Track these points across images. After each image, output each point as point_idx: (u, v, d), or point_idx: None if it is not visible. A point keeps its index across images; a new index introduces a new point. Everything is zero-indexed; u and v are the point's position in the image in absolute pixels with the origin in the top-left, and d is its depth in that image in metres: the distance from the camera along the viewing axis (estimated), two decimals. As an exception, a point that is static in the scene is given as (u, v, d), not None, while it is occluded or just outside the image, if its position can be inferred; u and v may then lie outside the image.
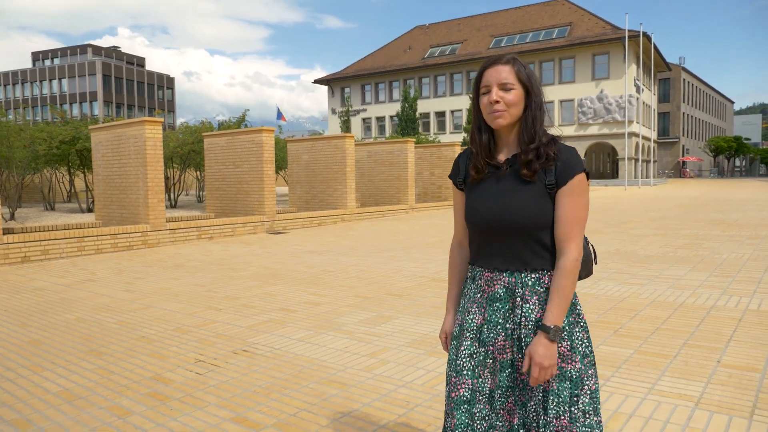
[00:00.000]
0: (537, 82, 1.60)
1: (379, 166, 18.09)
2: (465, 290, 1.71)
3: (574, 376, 1.55)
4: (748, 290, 5.51)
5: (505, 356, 1.58)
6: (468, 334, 1.62)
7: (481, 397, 1.59)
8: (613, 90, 40.57)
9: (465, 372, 1.60)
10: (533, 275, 1.57)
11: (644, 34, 38.41)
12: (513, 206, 1.55)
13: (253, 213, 12.93)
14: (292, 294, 5.84)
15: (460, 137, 43.27)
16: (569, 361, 1.56)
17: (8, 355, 3.98)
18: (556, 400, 1.54)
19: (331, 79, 52.54)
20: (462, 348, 1.62)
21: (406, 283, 6.30)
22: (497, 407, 1.59)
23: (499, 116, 1.55)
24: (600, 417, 1.58)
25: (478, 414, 1.58)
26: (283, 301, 5.53)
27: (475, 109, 1.63)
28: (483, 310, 1.62)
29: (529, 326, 1.56)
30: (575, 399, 1.54)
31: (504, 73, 1.56)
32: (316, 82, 53.30)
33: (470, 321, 1.63)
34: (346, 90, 52.49)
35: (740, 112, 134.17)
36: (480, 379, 1.59)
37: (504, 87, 1.55)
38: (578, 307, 1.61)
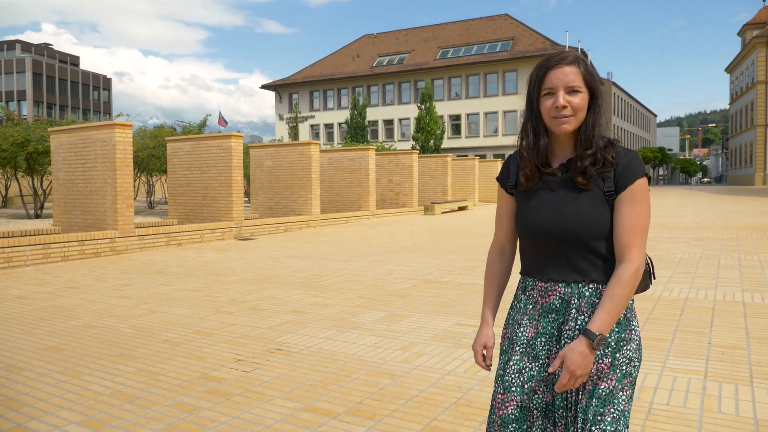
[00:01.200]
0: (601, 85, 1.52)
1: (340, 172, 18.26)
2: (515, 302, 1.62)
3: (603, 395, 1.45)
4: (711, 284, 6.11)
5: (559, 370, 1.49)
6: (518, 348, 1.54)
7: (535, 414, 1.51)
8: (553, 102, 42.45)
9: (514, 389, 1.51)
10: (591, 286, 1.49)
11: (581, 50, 40.52)
12: (570, 215, 1.47)
13: (220, 219, 12.82)
14: (295, 297, 5.97)
15: (408, 145, 43.99)
16: (606, 379, 1.46)
17: (32, 362, 3.94)
18: (582, 417, 1.46)
19: (279, 84, 52.18)
20: (511, 363, 1.54)
21: (401, 284, 6.55)
22: (558, 423, 1.50)
23: (565, 122, 1.46)
24: None
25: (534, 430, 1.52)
26: (290, 303, 5.66)
27: (530, 111, 1.54)
28: (536, 323, 1.54)
29: None
30: (598, 418, 1.44)
31: (571, 75, 1.46)
32: (264, 87, 52.78)
33: (521, 334, 1.55)
34: (294, 96, 52.28)
35: (661, 125, 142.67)
36: (535, 395, 1.51)
37: (571, 90, 1.46)
38: (633, 323, 1.51)
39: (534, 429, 1.51)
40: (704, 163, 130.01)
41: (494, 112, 44.87)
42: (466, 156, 35.08)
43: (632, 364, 1.48)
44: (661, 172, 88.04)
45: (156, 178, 21.79)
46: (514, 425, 1.50)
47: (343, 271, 7.59)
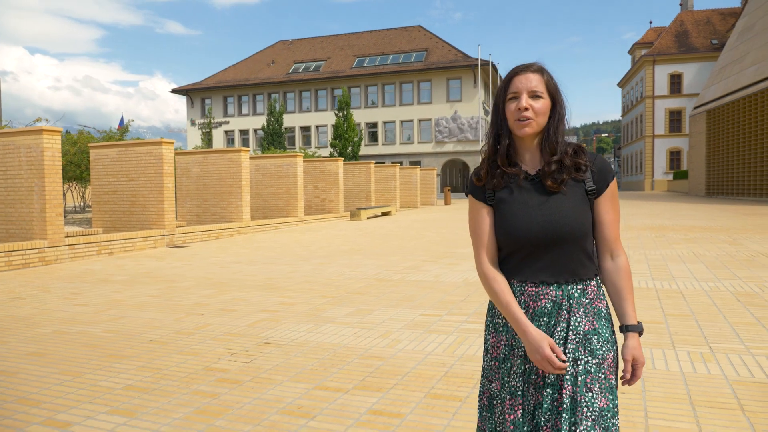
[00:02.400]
0: (562, 94, 1.61)
1: (268, 179, 18.34)
2: (497, 309, 1.65)
3: (614, 388, 1.54)
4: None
5: (547, 373, 1.52)
6: (519, 353, 1.58)
7: (526, 416, 1.56)
8: (465, 112, 44.52)
9: (519, 393, 1.56)
10: (579, 286, 1.56)
11: (491, 63, 42.87)
12: (559, 216, 1.53)
13: (150, 227, 12.59)
14: (259, 298, 6.24)
15: (326, 152, 44.31)
16: (613, 372, 1.55)
17: (23, 366, 4.00)
18: (606, 416, 1.50)
19: (190, 89, 50.67)
20: (514, 368, 1.58)
21: (356, 284, 6.99)
22: (543, 427, 1.52)
23: (526, 124, 1.54)
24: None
25: None
26: (257, 304, 5.93)
27: (496, 115, 1.62)
28: None
29: (577, 339, 1.52)
30: (616, 410, 1.52)
31: (534, 81, 1.55)
32: (175, 91, 51.03)
33: (519, 339, 1.59)
34: (207, 101, 50.99)
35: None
36: (529, 397, 1.56)
37: (533, 95, 1.55)
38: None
39: (525, 429, 1.56)
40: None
41: (410, 121, 46.24)
42: (384, 163, 35.99)
43: (618, 354, 1.60)
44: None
45: (67, 186, 20.67)
46: (523, 428, 1.54)
47: (294, 274, 7.90)
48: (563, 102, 1.60)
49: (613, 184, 1.58)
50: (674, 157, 54.55)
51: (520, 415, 1.54)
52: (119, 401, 3.25)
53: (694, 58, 52.68)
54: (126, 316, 5.49)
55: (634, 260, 8.33)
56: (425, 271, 7.89)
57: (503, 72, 40.32)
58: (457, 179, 55.96)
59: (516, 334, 1.57)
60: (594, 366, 1.50)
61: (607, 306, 1.60)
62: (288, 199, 18.07)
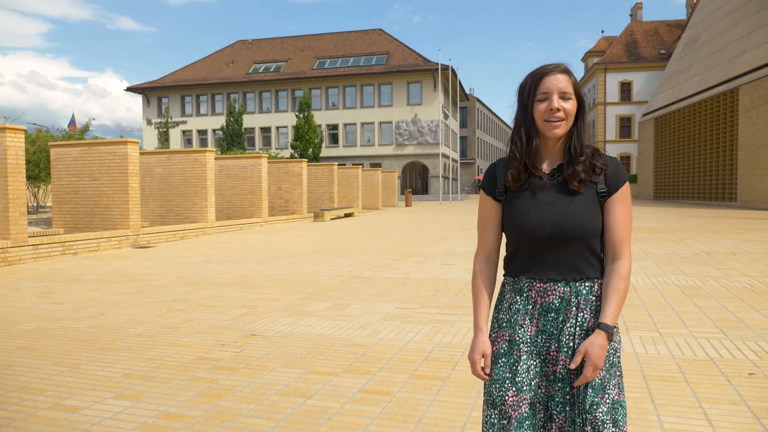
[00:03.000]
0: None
1: (232, 180, 18.33)
2: (507, 305, 1.65)
3: (596, 385, 1.55)
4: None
5: (558, 367, 1.56)
6: (524, 348, 1.59)
7: (539, 407, 1.58)
8: (425, 115, 45.21)
9: (525, 388, 1.56)
10: (587, 284, 1.58)
11: (451, 68, 43.69)
12: (570, 215, 1.55)
13: (114, 227, 12.48)
14: (238, 295, 6.43)
15: (286, 153, 44.18)
16: (617, 356, 1.59)
17: (15, 359, 4.10)
18: (579, 408, 1.54)
19: (147, 87, 49.61)
20: (520, 363, 1.58)
21: (330, 281, 7.25)
22: (556, 419, 1.56)
23: (557, 126, 1.56)
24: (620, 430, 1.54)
25: (539, 425, 1.58)
26: (235, 300, 6.12)
27: (523, 116, 1.61)
28: (536, 321, 1.60)
29: (583, 335, 1.55)
30: (594, 407, 1.53)
31: (564, 82, 1.56)
32: (130, 90, 49.86)
33: (523, 334, 1.59)
34: (164, 100, 50.04)
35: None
36: (539, 390, 1.58)
37: (563, 96, 1.56)
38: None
39: (539, 422, 1.58)
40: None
41: (371, 123, 46.61)
42: (344, 165, 36.20)
43: (617, 354, 1.58)
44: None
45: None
46: (527, 422, 1.55)
47: (267, 272, 8.09)
48: (587, 104, 1.64)
49: (625, 188, 1.59)
50: (624, 161, 56.75)
51: (525, 410, 1.55)
52: (121, 388, 3.43)
53: (643, 67, 55.02)
54: (107, 313, 5.59)
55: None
56: (395, 268, 8.22)
57: (462, 77, 41.19)
58: (416, 181, 56.66)
59: (519, 330, 1.59)
60: None
61: None
62: (252, 200, 18.11)
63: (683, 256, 8.95)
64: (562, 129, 1.56)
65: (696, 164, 30.77)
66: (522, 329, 1.59)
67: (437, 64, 43.13)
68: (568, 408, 1.54)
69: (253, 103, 48.72)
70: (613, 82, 56.23)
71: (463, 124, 67.44)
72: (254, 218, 17.82)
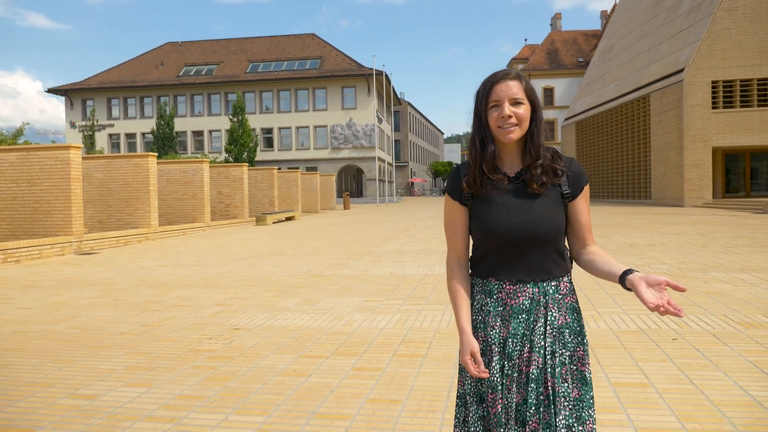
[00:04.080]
0: (539, 98, 1.66)
1: (172, 185, 18.11)
2: (479, 306, 1.67)
3: (588, 379, 1.59)
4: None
5: (531, 368, 1.57)
6: (496, 349, 1.61)
7: (510, 413, 1.57)
8: (360, 119, 45.83)
9: (499, 388, 1.59)
10: (553, 283, 1.61)
11: (385, 74, 44.57)
12: (536, 218, 1.58)
13: (56, 234, 12.18)
14: (207, 294, 6.66)
15: (221, 157, 43.46)
16: (585, 364, 1.60)
17: (7, 360, 4.22)
18: (580, 405, 1.56)
19: (70, 89, 47.34)
20: (493, 363, 1.60)
21: (293, 279, 7.60)
22: (529, 422, 1.55)
23: (511, 131, 1.58)
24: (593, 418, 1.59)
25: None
26: (207, 299, 6.37)
27: (478, 123, 1.65)
28: (507, 323, 1.61)
29: (554, 333, 1.58)
30: (592, 401, 1.58)
31: (514, 88, 1.59)
32: (51, 91, 47.38)
33: (495, 336, 1.62)
34: (89, 102, 47.92)
35: (446, 141, 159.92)
36: (510, 393, 1.58)
37: (514, 102, 1.58)
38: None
39: (509, 428, 1.57)
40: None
41: (305, 127, 46.67)
42: (280, 168, 36.19)
43: (589, 367, 1.62)
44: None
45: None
46: (503, 423, 1.57)
47: (228, 274, 8.32)
48: (541, 106, 1.66)
49: (587, 188, 1.65)
50: (549, 163, 59.66)
51: (499, 411, 1.57)
52: (128, 378, 3.70)
53: (564, 74, 58.20)
54: (81, 315, 5.71)
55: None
56: (352, 267, 8.66)
57: (395, 82, 42.08)
58: (352, 184, 57.16)
59: (491, 331, 1.62)
60: (567, 358, 1.58)
61: (577, 301, 1.67)
62: (194, 204, 17.98)
63: (610, 248, 9.93)
64: (516, 134, 1.60)
65: (615, 165, 33.08)
66: (493, 331, 1.62)
67: (371, 69, 43.89)
68: (542, 409, 1.55)
69: (185, 107, 47.58)
70: (536, 88, 59.08)
71: (396, 128, 68.62)
72: (197, 223, 17.70)
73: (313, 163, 46.16)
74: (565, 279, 1.65)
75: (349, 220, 22.03)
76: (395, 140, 68.21)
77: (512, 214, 1.59)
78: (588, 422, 1.53)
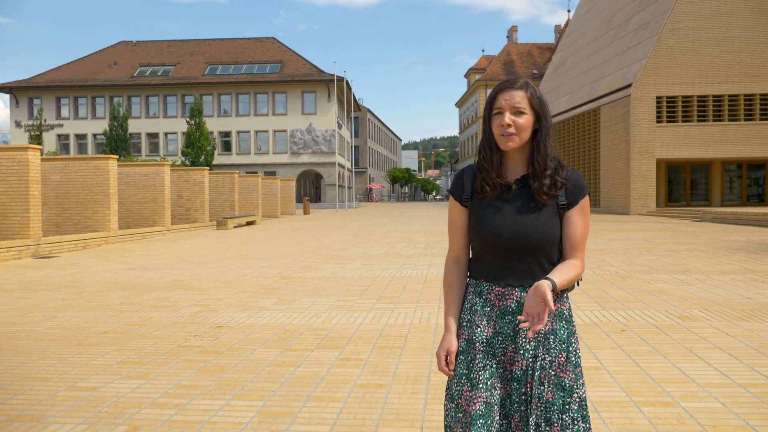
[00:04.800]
0: (547, 109, 1.67)
1: (131, 188, 17.89)
2: (469, 305, 1.72)
3: (567, 386, 1.60)
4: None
5: (515, 367, 1.62)
6: (480, 347, 1.64)
7: (496, 409, 1.62)
8: (320, 125, 46.01)
9: (480, 385, 1.61)
10: None
11: (346, 81, 44.92)
12: (530, 226, 1.61)
13: (12, 237, 11.94)
14: (182, 296, 6.81)
15: (177, 160, 42.77)
16: (565, 371, 1.61)
17: (-7, 356, 4.34)
18: (551, 408, 1.58)
19: (16, 87, 45.63)
20: (476, 361, 1.63)
21: (265, 281, 7.82)
22: (511, 416, 1.63)
23: (509, 140, 1.62)
24: (588, 424, 1.62)
25: (494, 428, 1.61)
26: (184, 300, 6.52)
27: (487, 129, 1.69)
28: (493, 323, 1.65)
29: (538, 338, 1.62)
30: (566, 407, 1.58)
31: (517, 98, 1.62)
32: (-5, 89, 45.55)
33: (479, 334, 1.65)
34: (36, 101, 46.30)
35: (404, 148, 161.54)
36: (494, 391, 1.62)
37: (516, 111, 1.61)
38: (573, 318, 1.70)
39: (494, 423, 1.61)
40: (436, 182, 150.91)
41: (265, 131, 46.50)
42: (238, 173, 35.95)
43: (578, 354, 1.65)
44: (406, 190, 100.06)
45: None
46: (481, 421, 1.59)
47: (198, 276, 8.45)
48: (548, 117, 1.67)
49: (584, 201, 1.67)
50: (503, 171, 61.34)
51: (480, 407, 1.60)
52: (124, 371, 3.89)
53: (519, 85, 59.89)
54: (58, 317, 5.78)
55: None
56: (321, 269, 8.94)
57: (354, 88, 42.47)
58: (310, 190, 57.14)
59: (476, 330, 1.66)
60: (548, 363, 1.61)
61: (569, 308, 1.69)
62: (154, 208, 17.81)
63: (563, 253, 10.56)
64: (515, 143, 1.63)
65: (566, 174, 34.41)
66: (479, 329, 1.65)
67: (332, 75, 44.16)
68: (523, 408, 1.60)
69: (139, 108, 46.63)
70: (493, 97, 60.58)
71: (356, 134, 69.05)
72: (157, 227, 17.54)
73: (272, 168, 45.99)
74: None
75: (311, 225, 22.21)
76: (354, 146, 68.59)
77: (507, 220, 1.63)
78: (556, 425, 1.57)
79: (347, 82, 45.67)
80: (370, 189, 75.06)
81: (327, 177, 46.51)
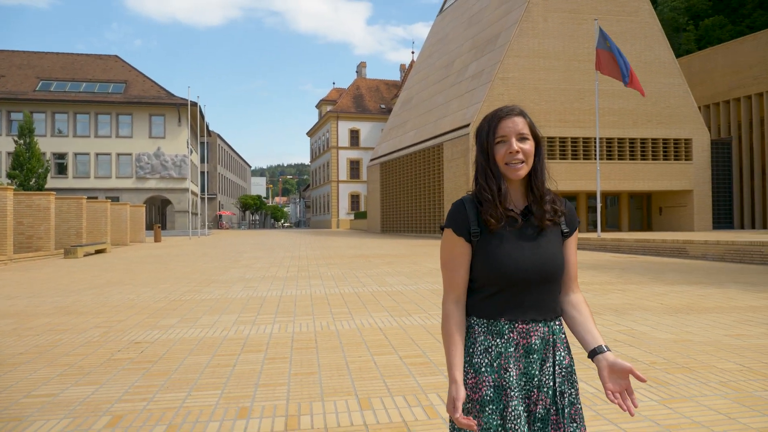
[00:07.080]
0: (540, 135, 1.67)
1: (-35, 214, 16.24)
2: (483, 348, 1.61)
3: (578, 417, 1.61)
4: (376, 283, 9.91)
5: (538, 407, 1.58)
6: (513, 393, 1.57)
7: None
8: (169, 149, 44.35)
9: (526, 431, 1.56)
10: (557, 322, 1.65)
11: (199, 106, 44.02)
12: (551, 256, 1.60)
13: None
14: (77, 320, 6.90)
15: (3, 182, 38.30)
16: (577, 403, 1.63)
17: None
18: None
19: None
20: (509, 409, 1.56)
21: (158, 304, 8.09)
22: None
23: (519, 168, 1.60)
24: None
25: None
26: (83, 324, 6.66)
27: (485, 160, 1.64)
28: (519, 364, 1.60)
29: (563, 373, 1.61)
30: None
31: (520, 124, 1.61)
32: None
33: (509, 378, 1.58)
34: None
35: (253, 174, 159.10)
36: None
37: (521, 138, 1.61)
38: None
39: None
40: (285, 209, 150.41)
41: (107, 154, 43.62)
42: (85, 198, 33.44)
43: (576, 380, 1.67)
44: (257, 217, 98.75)
45: None
46: None
47: (82, 302, 8.40)
48: (543, 142, 1.66)
49: (577, 228, 1.71)
50: (355, 199, 63.85)
51: None
52: (70, 381, 4.27)
53: (368, 118, 63.30)
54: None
55: (362, 276, 11.35)
56: (207, 293, 9.37)
57: (208, 114, 41.48)
58: (156, 216, 54.31)
59: (505, 374, 1.58)
60: (573, 397, 1.61)
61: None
62: (-7, 236, 16.33)
63: (422, 273, 12.08)
64: (524, 170, 1.61)
65: (413, 203, 37.26)
66: (507, 373, 1.58)
67: (183, 99, 43.05)
68: None
69: (-48, 123, 41.07)
70: (344, 129, 63.21)
71: (205, 160, 67.18)
72: (-4, 256, 16.09)
73: (115, 193, 43.16)
74: (561, 318, 1.70)
75: (170, 253, 21.68)
76: (203, 172, 66.61)
77: (528, 252, 1.59)
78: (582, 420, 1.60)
79: (200, 108, 44.78)
80: (220, 216, 73.16)
81: (177, 203, 44.80)
